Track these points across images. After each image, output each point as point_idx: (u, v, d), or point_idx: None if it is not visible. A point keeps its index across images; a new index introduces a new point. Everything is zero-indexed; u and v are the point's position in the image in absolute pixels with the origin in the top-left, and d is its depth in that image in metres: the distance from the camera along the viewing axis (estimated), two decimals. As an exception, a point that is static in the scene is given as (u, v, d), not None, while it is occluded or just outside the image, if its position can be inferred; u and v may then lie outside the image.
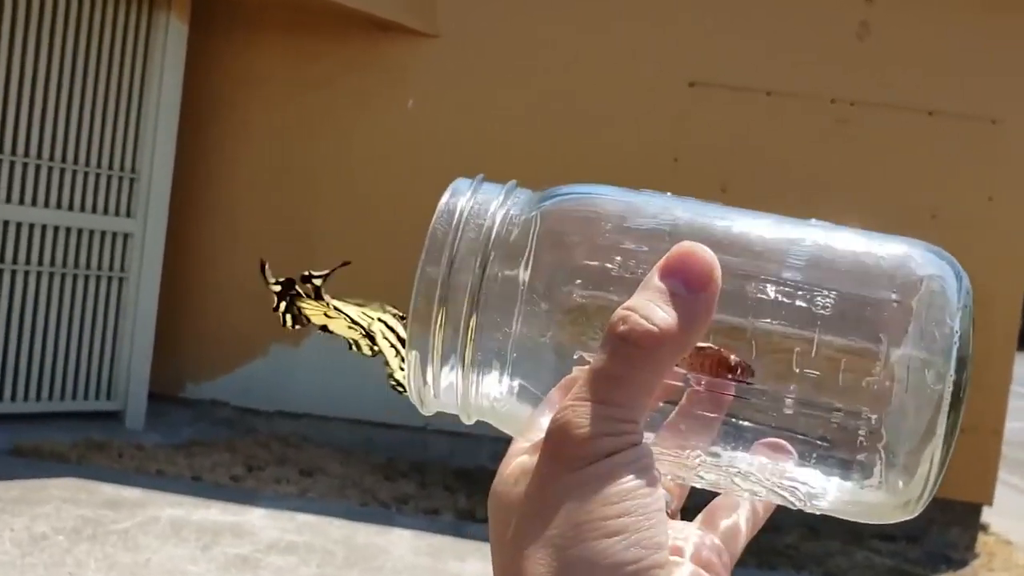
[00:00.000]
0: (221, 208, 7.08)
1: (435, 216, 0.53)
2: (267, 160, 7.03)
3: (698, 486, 0.54)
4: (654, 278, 0.49)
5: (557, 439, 0.47)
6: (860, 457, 0.49)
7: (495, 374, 0.53)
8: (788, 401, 0.49)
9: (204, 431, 6.61)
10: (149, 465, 5.73)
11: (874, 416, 0.49)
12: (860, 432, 0.49)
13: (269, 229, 7.01)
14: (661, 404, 0.52)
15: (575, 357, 0.51)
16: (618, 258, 0.51)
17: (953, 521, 6.47)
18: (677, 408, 0.52)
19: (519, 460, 0.51)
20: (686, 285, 0.48)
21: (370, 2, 6.45)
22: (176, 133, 6.56)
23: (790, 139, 6.66)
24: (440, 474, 6.35)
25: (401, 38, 6.72)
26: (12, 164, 5.99)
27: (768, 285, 0.50)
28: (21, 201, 6.03)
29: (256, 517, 5.18)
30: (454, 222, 0.53)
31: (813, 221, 0.53)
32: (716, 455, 0.52)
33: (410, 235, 7.16)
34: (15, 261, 6.05)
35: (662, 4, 6.71)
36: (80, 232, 6.28)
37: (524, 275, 0.52)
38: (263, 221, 7.01)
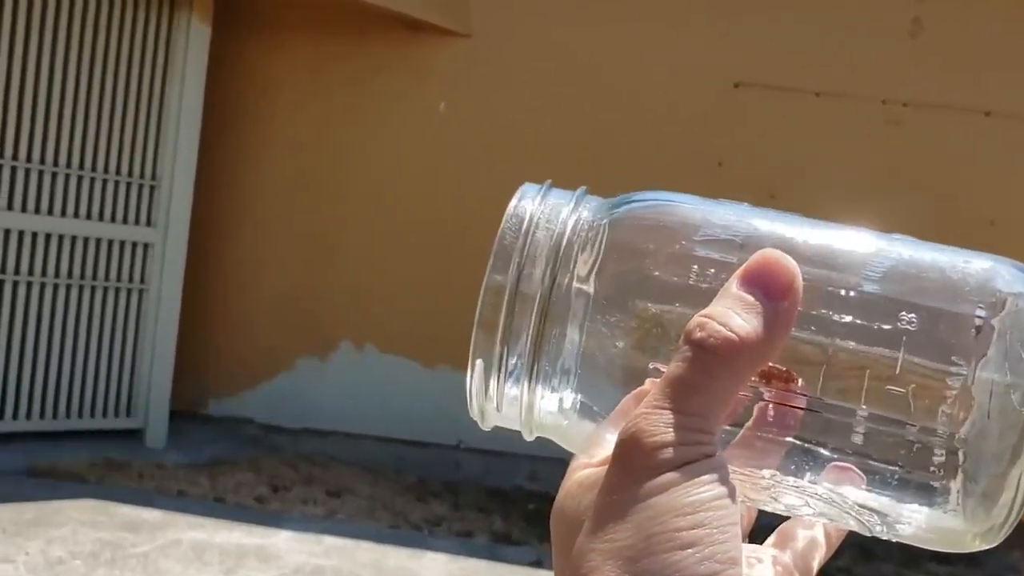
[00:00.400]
0: (244, 217, 7.05)
1: (503, 221, 0.53)
2: (291, 167, 6.99)
3: (767, 508, 0.54)
4: (733, 286, 0.49)
5: (628, 448, 0.47)
6: (937, 482, 0.49)
7: (561, 388, 0.53)
8: (862, 421, 0.49)
9: (227, 449, 6.60)
10: (170, 485, 5.72)
11: (953, 439, 0.48)
12: (937, 456, 0.49)
13: (293, 239, 6.98)
14: (727, 427, 0.51)
15: (650, 368, 0.51)
16: (694, 267, 0.51)
17: (1015, 544, 6.31)
18: (746, 426, 0.51)
19: (583, 474, 0.51)
20: (766, 293, 0.48)
21: (400, 0, 6.38)
22: (198, 139, 6.50)
23: (840, 142, 6.57)
24: (474, 494, 6.30)
25: (432, 38, 6.66)
26: (27, 172, 5.95)
27: (847, 298, 0.50)
28: (37, 210, 5.98)
29: (282, 540, 5.14)
30: (523, 228, 0.53)
31: (895, 235, 0.53)
32: (787, 477, 0.51)
33: (441, 246, 7.13)
34: (31, 272, 5.99)
35: (704, 0, 6.62)
36: (98, 242, 6.23)
37: (595, 285, 0.52)
38: (287, 230, 6.99)
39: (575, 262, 0.53)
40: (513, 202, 0.54)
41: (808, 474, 0.51)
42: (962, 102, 6.51)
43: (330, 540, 5.18)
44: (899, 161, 6.53)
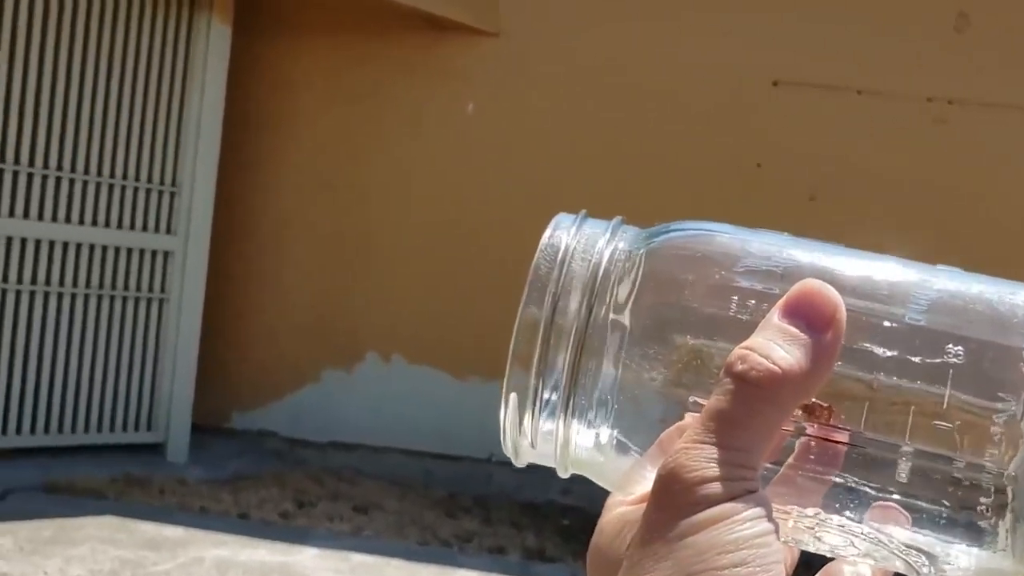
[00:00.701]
0: (266, 224, 7.05)
1: (538, 252, 0.54)
2: (315, 171, 6.99)
3: (811, 549, 0.53)
4: (774, 317, 0.49)
5: (668, 483, 0.47)
6: (985, 522, 0.49)
7: (597, 423, 0.53)
8: (907, 458, 0.49)
9: (251, 464, 6.60)
10: (192, 502, 5.74)
11: (1001, 476, 0.48)
12: (985, 494, 0.48)
13: (318, 246, 6.99)
14: (767, 464, 0.51)
15: (690, 401, 0.51)
16: (734, 298, 0.51)
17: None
18: (787, 462, 0.52)
19: (620, 511, 0.51)
20: (809, 325, 0.49)
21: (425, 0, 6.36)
22: (219, 143, 6.49)
23: (883, 141, 6.51)
24: (506, 509, 6.28)
25: (459, 37, 6.64)
26: (44, 178, 5.96)
27: (891, 330, 0.50)
28: (54, 218, 6.01)
29: (307, 558, 5.13)
30: (558, 259, 0.54)
31: (940, 266, 0.53)
32: (831, 516, 0.51)
33: (469, 252, 7.06)
34: (47, 282, 6.00)
35: (742, -4, 6.58)
36: (117, 250, 6.24)
37: (632, 317, 0.52)
38: (311, 237, 6.99)
39: (612, 294, 0.53)
40: (547, 232, 0.55)
41: (852, 513, 0.51)
42: (1010, 99, 6.44)
43: (358, 557, 5.17)
44: (944, 161, 6.46)
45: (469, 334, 6.58)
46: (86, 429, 6.26)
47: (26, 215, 5.90)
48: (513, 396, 0.53)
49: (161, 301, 6.47)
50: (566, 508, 6.17)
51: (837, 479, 0.51)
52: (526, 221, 7.29)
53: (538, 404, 0.53)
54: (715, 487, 0.46)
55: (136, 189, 6.32)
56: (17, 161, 5.86)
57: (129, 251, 6.32)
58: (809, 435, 0.51)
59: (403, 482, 6.51)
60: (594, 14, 6.63)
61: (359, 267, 6.87)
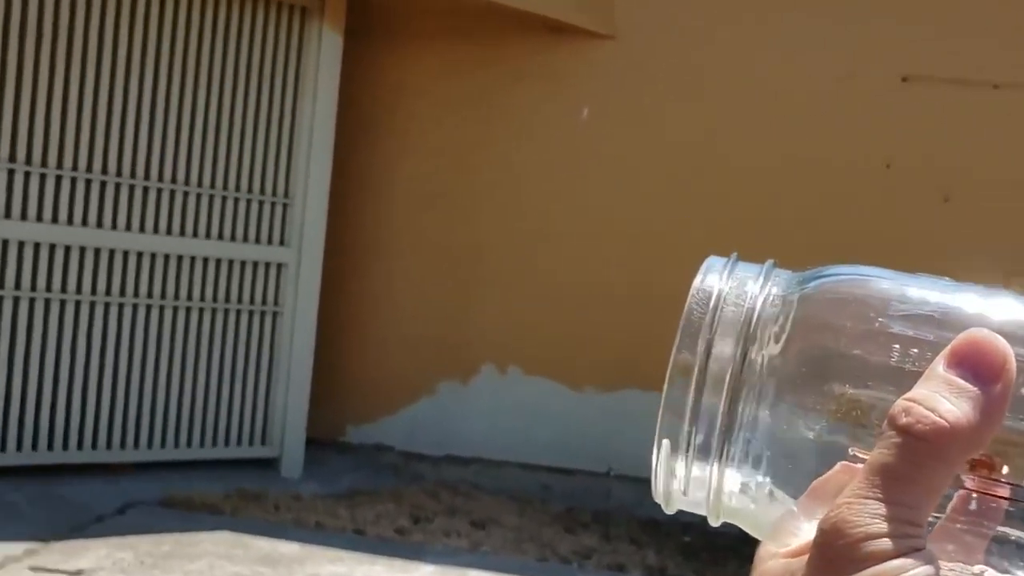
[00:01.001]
0: (379, 234, 7.11)
1: (689, 297, 0.54)
2: (427, 181, 7.03)
3: None
4: (939, 367, 0.49)
5: (830, 539, 0.47)
6: None
7: (750, 471, 0.53)
8: None
9: (366, 479, 6.68)
10: (308, 517, 5.80)
11: None
12: None
13: (431, 256, 7.03)
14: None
15: (849, 453, 0.51)
16: (895, 346, 0.52)
17: None
18: (945, 516, 0.51)
19: (775, 564, 0.51)
20: (976, 376, 0.48)
21: (541, 3, 6.35)
22: (332, 154, 6.56)
23: (1021, 138, 6.28)
24: (626, 525, 6.26)
25: (573, 40, 6.63)
26: (159, 191, 6.07)
27: None
28: (168, 231, 6.12)
29: (424, 574, 5.15)
30: (711, 305, 0.54)
31: None
32: (1000, 575, 0.51)
33: (585, 260, 6.97)
34: (163, 296, 6.13)
35: (868, -12, 6.45)
36: (231, 263, 6.34)
37: (787, 364, 0.52)
38: (424, 248, 7.03)
39: (766, 339, 0.53)
40: (699, 277, 0.55)
41: (1020, 572, 0.50)
42: None
43: (475, 574, 5.17)
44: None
45: (585, 344, 6.55)
46: (201, 443, 6.38)
47: (142, 228, 6.04)
48: (666, 442, 0.54)
49: (275, 314, 6.56)
50: (687, 525, 6.10)
51: (1001, 533, 0.50)
52: (641, 230, 7.23)
53: (691, 451, 0.53)
54: (881, 544, 0.46)
55: (249, 201, 6.42)
56: (133, 175, 6.00)
57: (243, 264, 6.42)
58: (969, 488, 0.50)
59: (520, 497, 6.52)
60: (711, 15, 6.56)
61: (473, 277, 6.89)
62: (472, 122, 6.93)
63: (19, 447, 5.75)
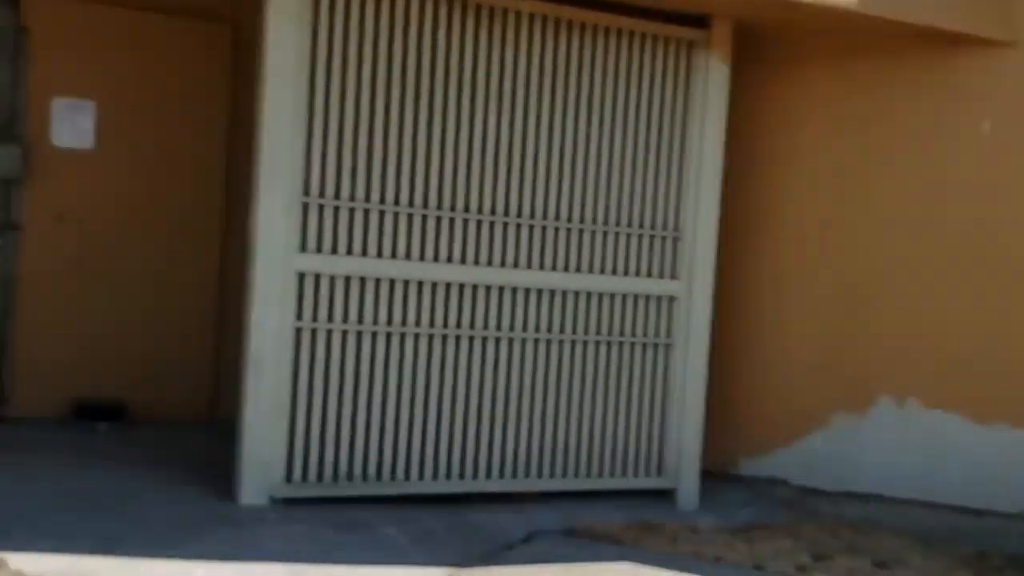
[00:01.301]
0: (769, 265, 7.15)
1: None
2: (818, 209, 7.00)
3: None
4: None
5: None
6: None
7: None
8: None
9: (761, 512, 6.74)
10: (706, 550, 5.89)
11: None
12: None
13: (824, 286, 6.99)
14: None
15: None
16: None
17: None
18: None
19: None
20: None
21: (938, 14, 6.24)
22: (720, 186, 6.68)
23: None
24: (1040, 569, 5.95)
25: (968, 51, 6.44)
26: (556, 231, 6.34)
27: None
28: (566, 268, 6.37)
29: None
30: None
31: None
32: None
33: (994, 286, 6.67)
34: (561, 330, 6.41)
35: None
36: (625, 298, 6.55)
37: None
38: (817, 277, 7.00)
39: None
40: None
41: None
42: None
43: (883, 617, 5.12)
44: None
45: (993, 376, 6.33)
46: (600, 473, 6.62)
47: (541, 266, 6.35)
48: None
49: (667, 346, 6.74)
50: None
51: None
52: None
53: None
54: None
55: (640, 236, 6.63)
56: (532, 215, 6.32)
57: (635, 297, 6.63)
58: None
59: (924, 536, 6.40)
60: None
61: (869, 307, 6.79)
62: (865, 145, 6.84)
63: (435, 475, 6.17)
